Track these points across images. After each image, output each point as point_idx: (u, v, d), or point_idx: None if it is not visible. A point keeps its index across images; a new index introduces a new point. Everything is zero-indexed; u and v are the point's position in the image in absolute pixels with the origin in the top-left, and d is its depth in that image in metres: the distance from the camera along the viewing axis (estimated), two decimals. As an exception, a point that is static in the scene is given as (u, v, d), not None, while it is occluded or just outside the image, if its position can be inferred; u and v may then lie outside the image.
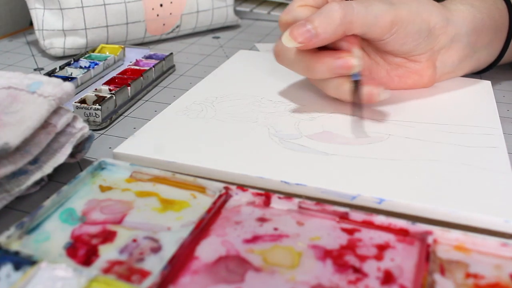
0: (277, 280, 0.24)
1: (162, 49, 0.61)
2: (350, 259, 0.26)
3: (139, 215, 0.29)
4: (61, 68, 0.49)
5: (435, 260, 0.25)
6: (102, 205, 0.30)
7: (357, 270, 0.25)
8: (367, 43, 0.42)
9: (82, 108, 0.40)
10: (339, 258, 0.26)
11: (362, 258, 0.26)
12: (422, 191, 0.30)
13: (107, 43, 0.58)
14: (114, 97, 0.42)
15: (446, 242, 0.27)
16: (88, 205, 0.30)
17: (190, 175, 0.32)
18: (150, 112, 0.44)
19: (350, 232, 0.28)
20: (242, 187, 0.30)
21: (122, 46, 0.54)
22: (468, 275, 0.25)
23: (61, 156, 0.32)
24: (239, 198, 0.30)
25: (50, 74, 0.48)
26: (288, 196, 0.30)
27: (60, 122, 0.32)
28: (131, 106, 0.45)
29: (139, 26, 0.60)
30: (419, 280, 0.24)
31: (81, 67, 0.50)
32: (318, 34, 0.36)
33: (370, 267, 0.25)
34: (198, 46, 0.63)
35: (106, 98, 0.41)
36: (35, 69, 0.54)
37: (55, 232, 0.27)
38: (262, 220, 0.29)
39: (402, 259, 0.26)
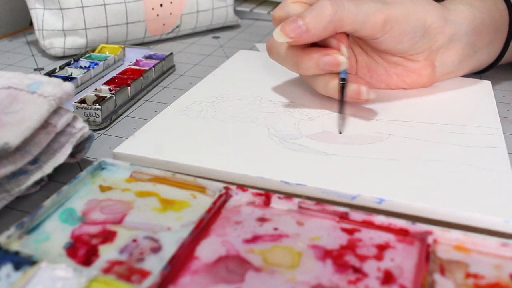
0: (277, 280, 0.24)
1: (162, 49, 0.61)
2: (350, 259, 0.26)
3: (139, 215, 0.29)
4: (61, 68, 0.49)
5: (435, 260, 0.25)
6: (102, 205, 0.30)
7: (357, 270, 0.25)
8: (366, 43, 0.42)
9: (82, 108, 0.40)
10: (339, 258, 0.26)
11: (362, 258, 0.26)
12: (422, 191, 0.30)
13: (107, 43, 0.58)
14: (114, 97, 0.42)
15: (446, 242, 0.27)
16: (88, 205, 0.30)
17: (190, 175, 0.32)
18: (150, 112, 0.44)
19: (350, 232, 0.28)
20: (242, 187, 0.30)
21: (122, 46, 0.54)
22: (468, 275, 0.25)
23: (61, 156, 0.32)
24: (239, 198, 0.30)
25: (50, 74, 0.48)
26: (288, 196, 0.30)
27: (60, 122, 0.32)
28: (131, 106, 0.45)
29: (139, 26, 0.60)
30: (419, 280, 0.24)
31: (81, 67, 0.50)
32: (309, 30, 0.36)
33: (370, 267, 0.25)
34: (198, 46, 0.63)
35: (106, 98, 0.41)
36: (35, 69, 0.54)
37: (55, 232, 0.27)
38: (262, 220, 0.29)
39: (402, 259, 0.26)
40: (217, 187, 0.30)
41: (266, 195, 0.30)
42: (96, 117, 0.41)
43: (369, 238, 0.27)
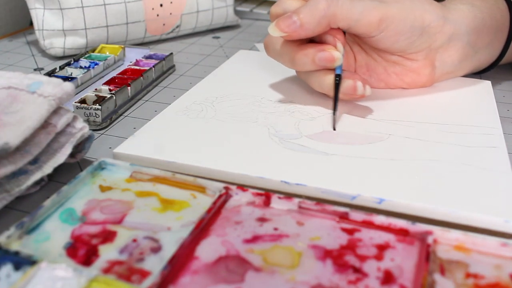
0: (277, 280, 0.24)
1: (162, 49, 0.61)
2: (350, 259, 0.26)
3: (139, 215, 0.29)
4: (61, 68, 0.49)
5: (435, 260, 0.25)
6: (102, 205, 0.30)
7: (357, 270, 0.25)
8: (365, 41, 0.42)
9: (82, 108, 0.40)
10: (339, 258, 0.26)
11: (362, 258, 0.26)
12: (422, 191, 0.30)
13: (107, 43, 0.58)
14: (114, 97, 0.42)
15: (446, 242, 0.27)
16: (88, 205, 0.30)
17: (190, 175, 0.32)
18: (150, 112, 0.44)
19: (350, 232, 0.28)
20: (242, 187, 0.30)
21: (122, 46, 0.54)
22: (468, 275, 0.25)
23: (61, 156, 0.32)
24: (239, 198, 0.30)
25: (50, 74, 0.48)
26: (288, 196, 0.30)
27: (60, 122, 0.32)
28: (131, 106, 0.45)
29: (139, 26, 0.60)
30: (419, 280, 0.24)
31: (81, 67, 0.50)
32: (302, 25, 0.37)
33: (370, 267, 0.25)
34: (198, 46, 0.63)
35: (106, 98, 0.41)
36: (35, 69, 0.54)
37: (55, 232, 0.27)
38: (262, 220, 0.29)
39: (402, 259, 0.26)
40: (217, 187, 0.30)
41: (266, 195, 0.30)
42: (96, 117, 0.41)
43: (369, 238, 0.27)
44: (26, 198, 0.32)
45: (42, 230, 0.27)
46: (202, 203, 0.30)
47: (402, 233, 0.27)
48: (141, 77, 0.47)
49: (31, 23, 0.71)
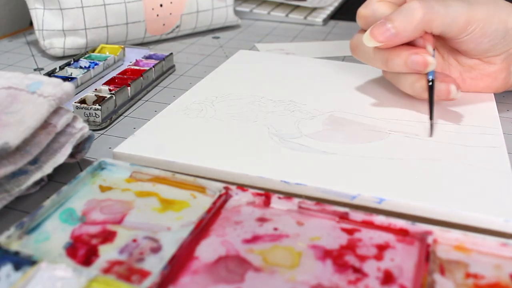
0: (277, 280, 0.24)
1: (162, 49, 0.61)
2: (350, 259, 0.26)
3: (139, 215, 0.29)
4: (61, 68, 0.49)
5: (435, 260, 0.25)
6: (102, 205, 0.30)
7: (357, 270, 0.25)
8: (441, 44, 0.42)
9: (82, 108, 0.40)
10: (339, 258, 0.26)
11: (362, 258, 0.26)
12: (422, 191, 0.30)
13: (107, 43, 0.58)
14: (114, 97, 0.42)
15: (446, 242, 0.27)
16: (88, 205, 0.30)
17: (190, 175, 0.32)
18: (150, 112, 0.44)
19: (350, 232, 0.28)
20: (242, 187, 0.30)
21: (122, 46, 0.54)
22: (468, 275, 0.25)
23: (61, 156, 0.32)
24: (239, 198, 0.30)
25: (50, 74, 0.48)
26: (288, 195, 0.30)
27: (60, 122, 0.32)
28: (131, 106, 0.45)
29: (139, 26, 0.60)
30: (419, 280, 0.24)
31: (81, 67, 0.50)
32: (398, 33, 0.37)
33: (370, 267, 0.25)
34: (198, 46, 0.63)
35: (106, 98, 0.41)
36: (35, 69, 0.54)
37: (55, 232, 0.27)
38: (262, 220, 0.29)
39: (402, 259, 0.26)
40: (217, 187, 0.30)
41: (266, 195, 0.30)
42: (96, 117, 0.41)
43: (369, 238, 0.27)
44: (26, 198, 0.32)
45: (42, 230, 0.27)
46: (202, 203, 0.30)
47: (402, 233, 0.27)
48: (141, 77, 0.47)
49: (31, 23, 0.71)
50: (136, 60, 0.52)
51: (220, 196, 0.30)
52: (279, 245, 0.27)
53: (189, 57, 0.58)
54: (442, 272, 0.25)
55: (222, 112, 0.40)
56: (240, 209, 0.29)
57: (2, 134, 0.29)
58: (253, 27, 0.71)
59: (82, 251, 0.26)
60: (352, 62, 0.53)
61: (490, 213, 0.28)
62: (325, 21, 0.73)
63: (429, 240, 0.26)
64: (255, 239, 0.27)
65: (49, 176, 0.33)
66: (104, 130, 0.41)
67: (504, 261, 0.26)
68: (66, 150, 0.32)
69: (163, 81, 0.51)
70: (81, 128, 0.33)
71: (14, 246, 0.26)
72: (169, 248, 0.26)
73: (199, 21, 0.65)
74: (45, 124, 0.32)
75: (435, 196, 0.30)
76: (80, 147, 0.34)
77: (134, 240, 0.27)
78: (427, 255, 0.25)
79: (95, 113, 0.40)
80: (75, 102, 0.41)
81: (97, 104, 0.41)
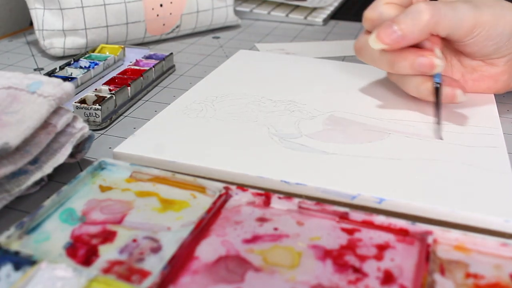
0: (277, 280, 0.24)
1: (162, 49, 0.61)
2: (350, 259, 0.26)
3: (139, 215, 0.29)
4: (61, 68, 0.49)
5: (435, 260, 0.25)
6: (102, 205, 0.30)
7: (357, 270, 0.25)
8: (444, 45, 0.42)
9: (82, 108, 0.40)
10: (339, 258, 0.26)
11: (362, 258, 0.26)
12: (422, 191, 0.30)
13: (107, 43, 0.58)
14: (114, 97, 0.42)
15: (446, 242, 0.27)
16: (88, 205, 0.30)
17: (190, 174, 0.32)
18: (150, 112, 0.44)
19: (350, 232, 0.28)
20: (242, 187, 0.30)
21: (122, 46, 0.54)
22: (468, 275, 0.25)
23: (61, 156, 0.32)
24: (239, 198, 0.30)
25: (50, 74, 0.48)
26: (288, 195, 0.30)
27: (60, 122, 0.32)
28: (131, 106, 0.45)
29: (139, 26, 0.60)
30: (419, 280, 0.24)
31: (81, 67, 0.50)
32: (405, 35, 0.36)
33: (370, 267, 0.25)
34: (198, 46, 0.63)
35: (106, 98, 0.41)
36: (35, 69, 0.54)
37: (55, 232, 0.27)
38: (262, 220, 0.29)
39: (402, 259, 0.26)
40: (217, 187, 0.30)
41: (266, 195, 0.30)
42: (96, 117, 0.41)
43: (369, 238, 0.27)
44: (26, 198, 0.32)
45: (42, 230, 0.27)
46: (202, 203, 0.30)
47: (402, 233, 0.27)
48: (141, 77, 0.47)
49: (31, 23, 0.71)
50: (136, 60, 0.52)
51: (220, 196, 0.30)
52: (279, 245, 0.27)
53: (189, 57, 0.58)
54: (442, 272, 0.25)
55: (222, 112, 0.40)
56: (240, 209, 0.29)
57: (2, 134, 0.29)
58: (253, 27, 0.71)
59: (82, 251, 0.26)
60: (352, 62, 0.53)
61: (490, 213, 0.28)
62: (325, 21, 0.73)
63: (429, 240, 0.26)
64: (255, 239, 0.27)
65: (49, 176, 0.33)
66: (104, 130, 0.41)
67: (504, 261, 0.26)
68: (66, 150, 0.32)
69: (163, 81, 0.51)
70: (81, 128, 0.33)
71: (14, 246, 0.26)
72: (169, 248, 0.26)
73: (199, 21, 0.65)
74: (45, 124, 0.32)
75: (435, 196, 0.30)
76: (80, 147, 0.34)
77: (134, 240, 0.27)
78: (427, 255, 0.25)
79: (95, 113, 0.40)
80: (75, 102, 0.41)
81: (97, 104, 0.41)
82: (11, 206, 0.31)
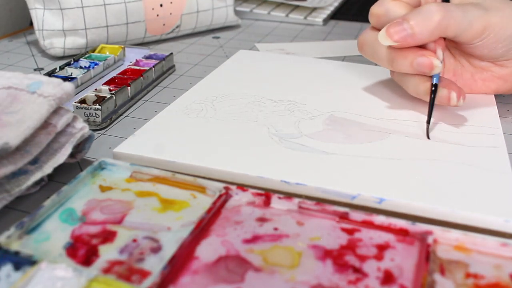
0: (277, 280, 0.24)
1: (162, 49, 0.61)
2: (350, 259, 0.26)
3: (139, 215, 0.29)
4: (61, 68, 0.49)
5: (435, 260, 0.25)
6: (102, 205, 0.30)
7: (357, 270, 0.25)
8: (454, 45, 0.41)
9: (82, 108, 0.40)
10: (339, 258, 0.26)
11: (362, 258, 0.26)
12: (422, 191, 0.30)
13: (107, 43, 0.58)
14: (114, 97, 0.42)
15: (446, 242, 0.27)
16: (88, 205, 0.30)
17: (190, 174, 0.32)
18: (150, 112, 0.44)
19: (350, 232, 0.28)
20: (242, 187, 0.30)
21: (122, 46, 0.54)
22: (468, 275, 0.25)
23: (61, 156, 0.32)
24: (239, 198, 0.30)
25: (50, 74, 0.48)
26: (288, 195, 0.30)
27: (60, 122, 0.32)
28: (131, 106, 0.45)
29: (139, 26, 0.60)
30: (419, 280, 0.24)
31: (81, 67, 0.50)
32: (414, 34, 0.36)
33: (370, 267, 0.25)
34: (198, 46, 0.63)
35: (106, 98, 0.41)
36: (35, 69, 0.54)
37: (55, 232, 0.27)
38: (262, 220, 0.29)
39: (402, 259, 0.26)
40: (217, 187, 0.30)
41: (266, 195, 0.30)
42: (96, 117, 0.41)
43: (369, 238, 0.27)
44: (26, 198, 0.32)
45: (42, 230, 0.27)
46: (202, 203, 0.30)
47: (402, 233, 0.27)
48: (141, 77, 0.47)
49: (31, 23, 0.71)
50: (136, 60, 0.52)
51: (220, 196, 0.30)
52: (279, 245, 0.27)
53: (189, 57, 0.58)
54: (442, 272, 0.25)
55: (222, 112, 0.40)
56: (240, 209, 0.29)
57: (2, 134, 0.29)
58: (253, 27, 0.71)
59: (82, 251, 0.26)
60: (352, 62, 0.53)
61: (490, 213, 0.28)
62: (325, 21, 0.73)
63: (429, 240, 0.26)
64: (255, 239, 0.27)
65: (49, 176, 0.33)
66: (104, 130, 0.41)
67: (504, 261, 0.26)
68: (66, 150, 0.32)
69: (163, 81, 0.51)
70: (81, 128, 0.33)
71: (14, 246, 0.26)
72: (169, 248, 0.26)
73: (199, 21, 0.65)
74: (45, 124, 0.32)
75: (435, 196, 0.30)
76: (80, 147, 0.34)
77: (134, 240, 0.27)
78: (427, 255, 0.25)
79: (95, 113, 0.40)
80: (75, 102, 0.41)
81: (97, 104, 0.41)
82: (11, 206, 0.31)
